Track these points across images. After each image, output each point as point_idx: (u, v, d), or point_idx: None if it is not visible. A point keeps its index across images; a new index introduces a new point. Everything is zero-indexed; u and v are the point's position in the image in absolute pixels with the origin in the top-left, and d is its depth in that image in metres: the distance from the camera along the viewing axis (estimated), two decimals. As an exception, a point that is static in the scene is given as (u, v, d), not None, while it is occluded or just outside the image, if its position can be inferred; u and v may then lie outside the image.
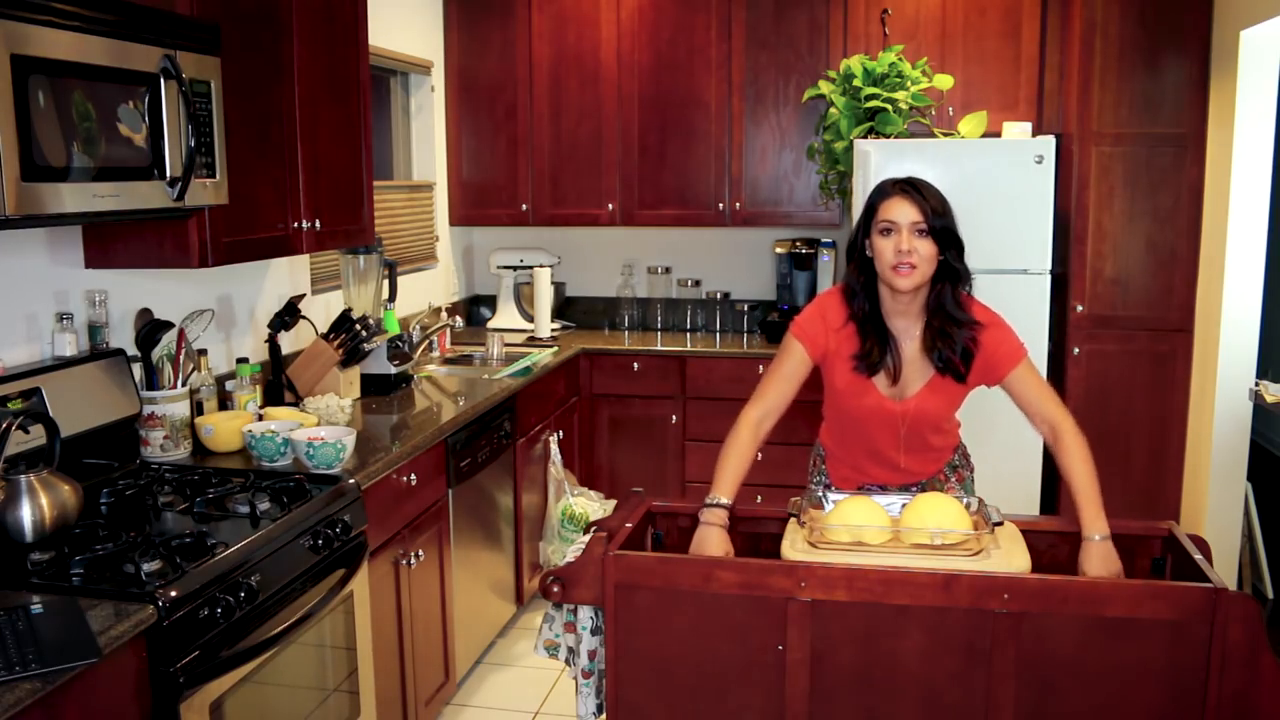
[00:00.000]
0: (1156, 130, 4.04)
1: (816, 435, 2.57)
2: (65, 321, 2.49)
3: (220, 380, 3.00)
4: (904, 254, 2.19)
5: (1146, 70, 4.02)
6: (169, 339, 2.66)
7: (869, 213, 2.27)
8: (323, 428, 2.76)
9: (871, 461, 2.41)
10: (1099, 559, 2.04)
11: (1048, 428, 2.24)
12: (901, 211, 2.21)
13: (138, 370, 2.62)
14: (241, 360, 3.02)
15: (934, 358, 2.28)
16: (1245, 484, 4.05)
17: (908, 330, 2.31)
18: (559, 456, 4.08)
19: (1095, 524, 2.08)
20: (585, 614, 2.12)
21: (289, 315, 3.19)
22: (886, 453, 2.37)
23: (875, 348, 2.28)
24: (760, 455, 2.31)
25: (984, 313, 2.31)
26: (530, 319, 4.83)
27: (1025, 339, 2.33)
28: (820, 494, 2.27)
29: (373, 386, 3.48)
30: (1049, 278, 3.95)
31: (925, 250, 2.20)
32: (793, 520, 2.15)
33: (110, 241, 2.56)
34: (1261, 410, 4.08)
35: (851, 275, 2.32)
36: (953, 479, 2.48)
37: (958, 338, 2.26)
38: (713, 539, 2.13)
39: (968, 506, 2.12)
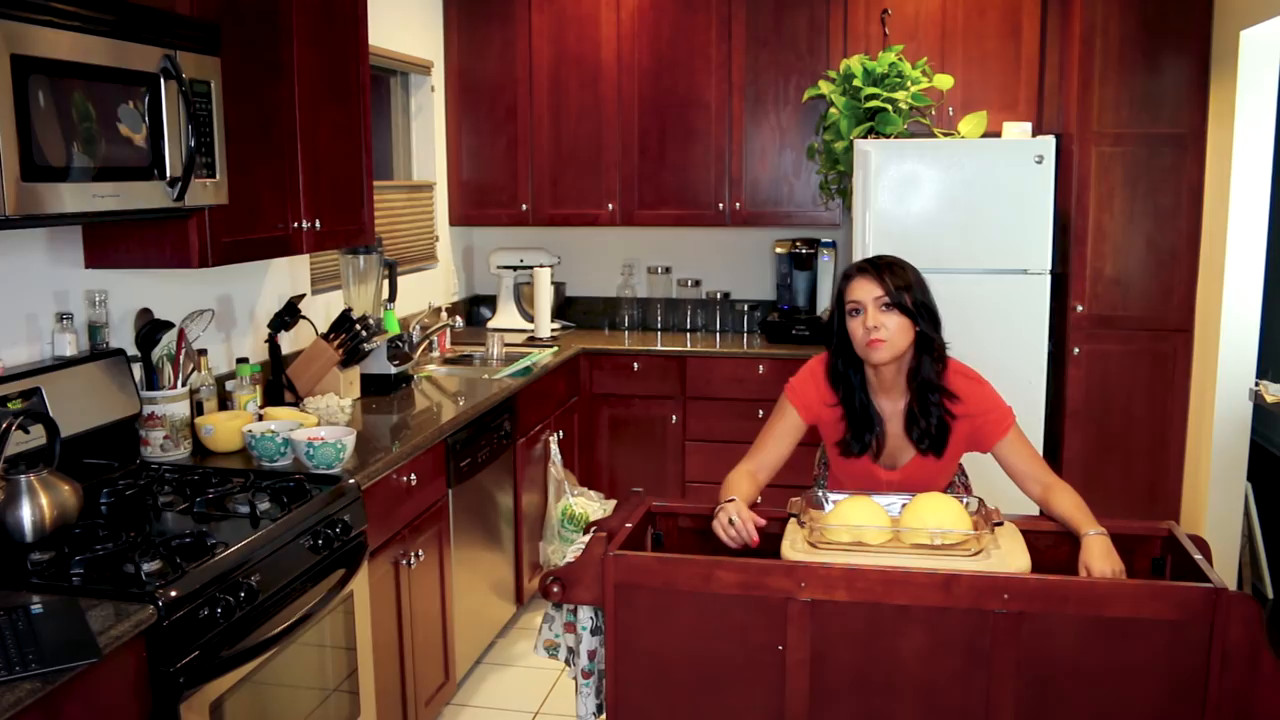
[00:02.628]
0: (1156, 130, 4.04)
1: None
2: (65, 321, 2.49)
3: (220, 380, 3.00)
4: (870, 329, 2.26)
5: (1146, 70, 4.02)
6: (169, 339, 2.66)
7: (839, 297, 2.35)
8: (323, 428, 2.76)
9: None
10: (1100, 552, 2.04)
11: (1039, 487, 2.27)
12: (864, 290, 2.29)
13: (138, 370, 2.62)
14: (241, 360, 3.02)
15: (913, 435, 2.34)
16: (1245, 484, 4.04)
17: (893, 408, 2.37)
18: (559, 456, 4.07)
19: (1091, 524, 2.10)
20: (585, 614, 2.12)
21: (289, 315, 3.19)
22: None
23: (860, 435, 2.36)
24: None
25: (964, 384, 2.34)
26: (530, 319, 4.83)
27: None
28: (820, 494, 2.28)
29: (373, 386, 3.48)
30: (1049, 278, 3.95)
31: (893, 323, 2.27)
32: (793, 520, 2.15)
33: (110, 241, 2.56)
34: (1261, 410, 4.08)
35: (836, 358, 2.38)
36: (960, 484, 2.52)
37: (934, 410, 2.31)
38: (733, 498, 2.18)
39: (967, 506, 2.12)
